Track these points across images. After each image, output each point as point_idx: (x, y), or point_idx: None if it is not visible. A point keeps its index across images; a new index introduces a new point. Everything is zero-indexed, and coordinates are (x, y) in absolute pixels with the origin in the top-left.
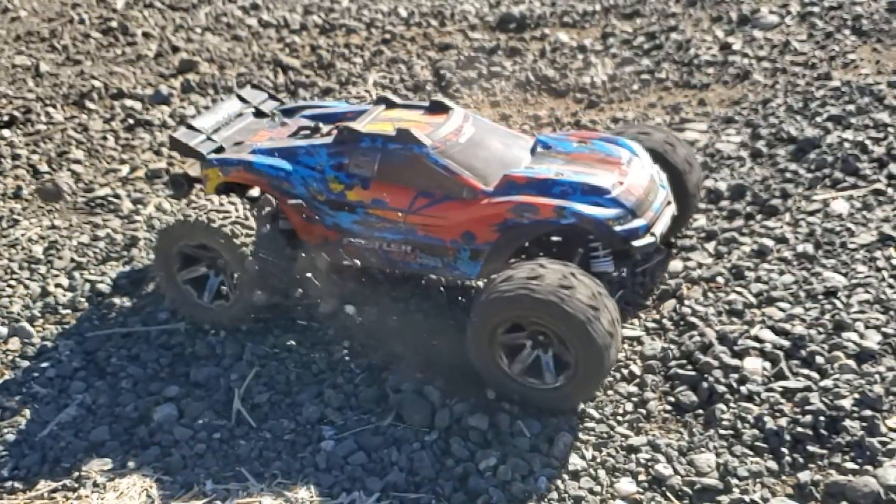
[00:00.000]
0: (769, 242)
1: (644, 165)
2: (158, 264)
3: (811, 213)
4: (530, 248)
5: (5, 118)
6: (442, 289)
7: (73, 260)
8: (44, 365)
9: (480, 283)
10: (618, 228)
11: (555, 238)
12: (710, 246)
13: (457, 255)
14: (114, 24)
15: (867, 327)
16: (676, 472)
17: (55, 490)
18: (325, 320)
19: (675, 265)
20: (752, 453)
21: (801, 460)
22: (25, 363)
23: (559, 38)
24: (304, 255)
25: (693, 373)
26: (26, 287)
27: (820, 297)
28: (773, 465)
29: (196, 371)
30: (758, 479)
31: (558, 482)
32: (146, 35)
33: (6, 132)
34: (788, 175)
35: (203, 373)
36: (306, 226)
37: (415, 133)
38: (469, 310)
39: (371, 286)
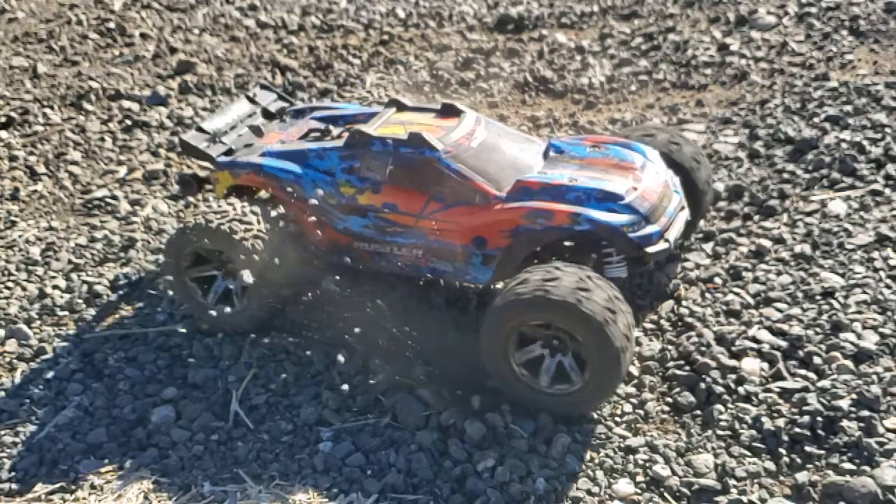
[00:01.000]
0: (767, 243)
1: (658, 171)
2: (169, 260)
3: (809, 214)
4: (542, 254)
5: (2, 119)
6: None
7: (70, 261)
8: (41, 367)
9: (480, 284)
10: (632, 235)
11: (567, 244)
12: (708, 246)
13: (468, 261)
14: (111, 25)
15: (865, 328)
16: (674, 473)
17: (52, 492)
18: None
19: (673, 265)
20: (749, 454)
21: (798, 461)
22: (23, 365)
23: (557, 39)
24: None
25: (691, 373)
26: (23, 289)
27: (817, 297)
28: (770, 465)
29: (194, 373)
30: (755, 480)
31: (556, 483)
32: (144, 36)
33: (3, 133)
34: (786, 176)
35: (200, 374)
36: (317, 229)
37: (427, 137)
38: (483, 315)
39: (370, 288)
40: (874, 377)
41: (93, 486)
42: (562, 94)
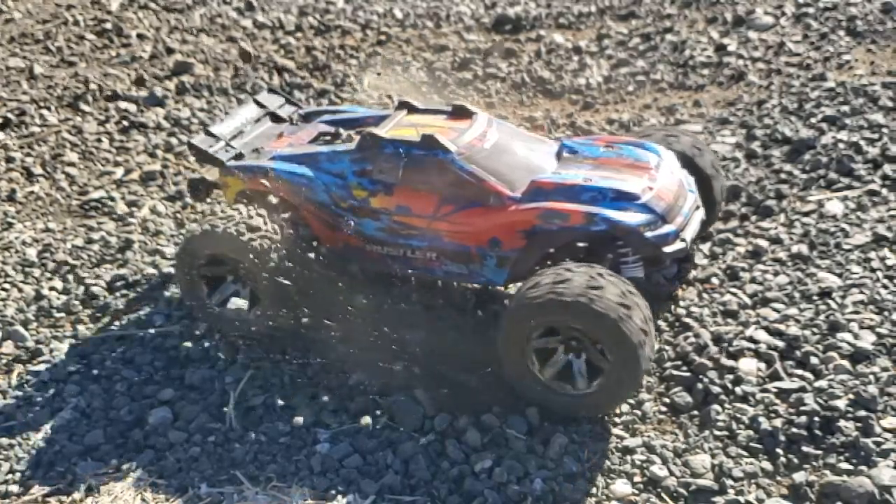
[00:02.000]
0: (764, 243)
1: (672, 170)
2: (183, 259)
3: (806, 214)
4: (556, 255)
5: None
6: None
7: (67, 263)
8: (38, 368)
9: (477, 285)
10: (648, 234)
11: (581, 244)
12: (705, 247)
13: (483, 262)
14: (108, 25)
15: (861, 328)
16: (671, 474)
17: (49, 494)
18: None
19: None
20: (746, 454)
21: (795, 461)
22: (19, 367)
23: (554, 39)
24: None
25: (688, 374)
26: (20, 290)
27: (814, 297)
28: (767, 465)
29: (190, 374)
30: (753, 480)
31: (554, 484)
32: (140, 36)
33: (0, 135)
34: (783, 176)
35: (197, 376)
36: (328, 233)
37: (439, 139)
38: (497, 320)
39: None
40: (871, 377)
41: (90, 488)
42: (559, 95)
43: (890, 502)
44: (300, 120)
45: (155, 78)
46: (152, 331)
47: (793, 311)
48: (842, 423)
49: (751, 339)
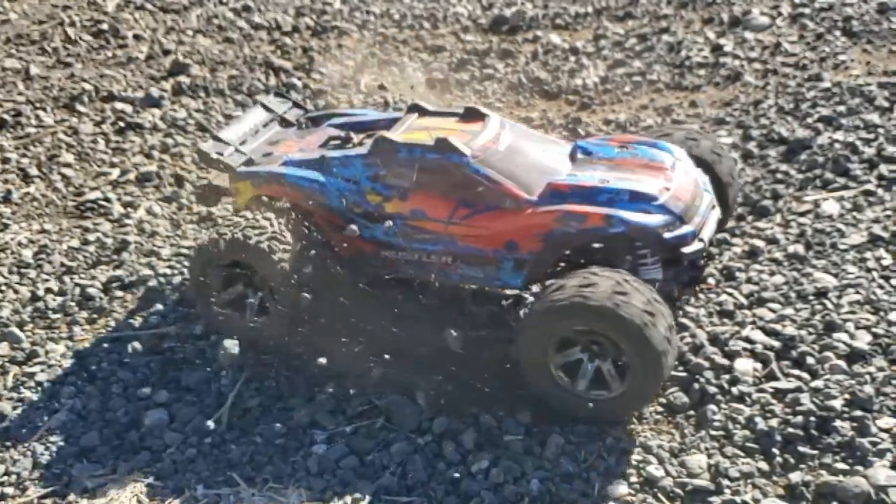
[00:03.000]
0: (760, 243)
1: (688, 170)
2: (197, 263)
3: (802, 214)
4: (571, 256)
5: None
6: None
7: (63, 264)
8: (33, 370)
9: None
10: (667, 235)
11: (596, 245)
12: None
13: (499, 265)
14: (104, 26)
15: (857, 328)
16: (668, 474)
17: (45, 496)
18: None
19: None
20: (743, 454)
21: (792, 461)
22: (15, 368)
23: (551, 40)
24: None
25: (684, 374)
26: (16, 291)
27: (810, 297)
28: (764, 465)
29: (187, 375)
30: (749, 480)
31: (550, 484)
32: (137, 37)
33: None
34: (779, 176)
35: (193, 377)
36: (342, 238)
37: (454, 142)
38: (520, 322)
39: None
40: (867, 377)
41: (86, 490)
42: (556, 96)
43: (886, 502)
44: (308, 123)
45: (151, 79)
46: (148, 332)
47: (789, 311)
48: (838, 423)
49: (747, 340)
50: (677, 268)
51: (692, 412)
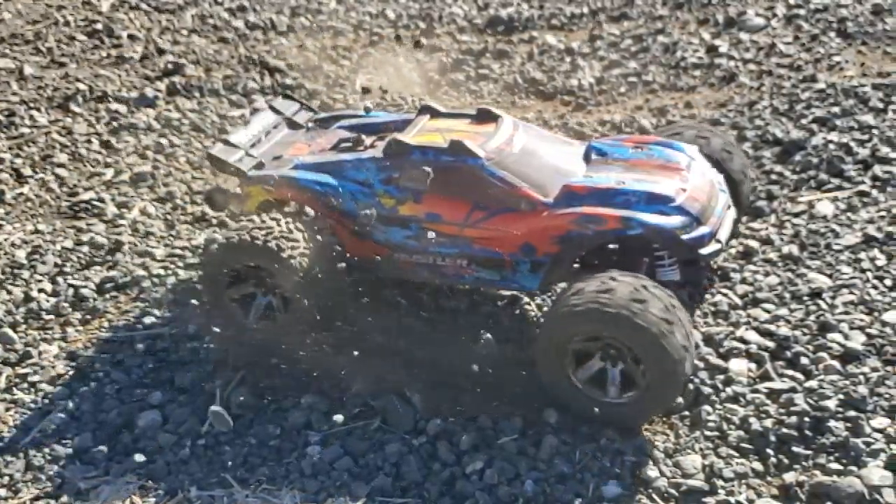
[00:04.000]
0: (754, 244)
1: (703, 170)
2: (215, 264)
3: (796, 215)
4: (586, 257)
5: None
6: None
7: (56, 265)
8: (26, 371)
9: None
10: (685, 237)
11: (611, 246)
12: None
13: (516, 268)
14: (99, 26)
15: (852, 328)
16: (662, 474)
17: (38, 497)
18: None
19: None
20: (737, 454)
21: (786, 461)
22: (8, 370)
23: (547, 40)
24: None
25: None
26: (9, 292)
27: (805, 298)
28: (758, 466)
29: (180, 376)
30: (743, 481)
31: (545, 485)
32: (132, 37)
33: None
34: (774, 177)
35: (187, 378)
36: (355, 242)
37: (468, 145)
38: (539, 324)
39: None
40: (861, 377)
41: (79, 492)
42: (552, 96)
43: (880, 502)
44: (317, 126)
45: (146, 79)
46: (142, 332)
47: (783, 311)
48: (832, 423)
49: (741, 340)
50: (695, 269)
51: (687, 413)
